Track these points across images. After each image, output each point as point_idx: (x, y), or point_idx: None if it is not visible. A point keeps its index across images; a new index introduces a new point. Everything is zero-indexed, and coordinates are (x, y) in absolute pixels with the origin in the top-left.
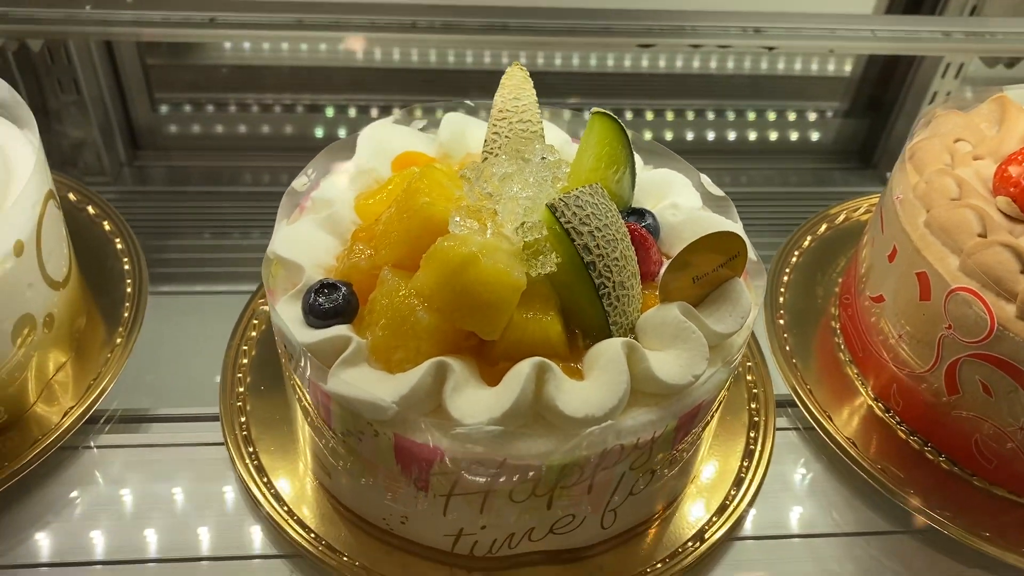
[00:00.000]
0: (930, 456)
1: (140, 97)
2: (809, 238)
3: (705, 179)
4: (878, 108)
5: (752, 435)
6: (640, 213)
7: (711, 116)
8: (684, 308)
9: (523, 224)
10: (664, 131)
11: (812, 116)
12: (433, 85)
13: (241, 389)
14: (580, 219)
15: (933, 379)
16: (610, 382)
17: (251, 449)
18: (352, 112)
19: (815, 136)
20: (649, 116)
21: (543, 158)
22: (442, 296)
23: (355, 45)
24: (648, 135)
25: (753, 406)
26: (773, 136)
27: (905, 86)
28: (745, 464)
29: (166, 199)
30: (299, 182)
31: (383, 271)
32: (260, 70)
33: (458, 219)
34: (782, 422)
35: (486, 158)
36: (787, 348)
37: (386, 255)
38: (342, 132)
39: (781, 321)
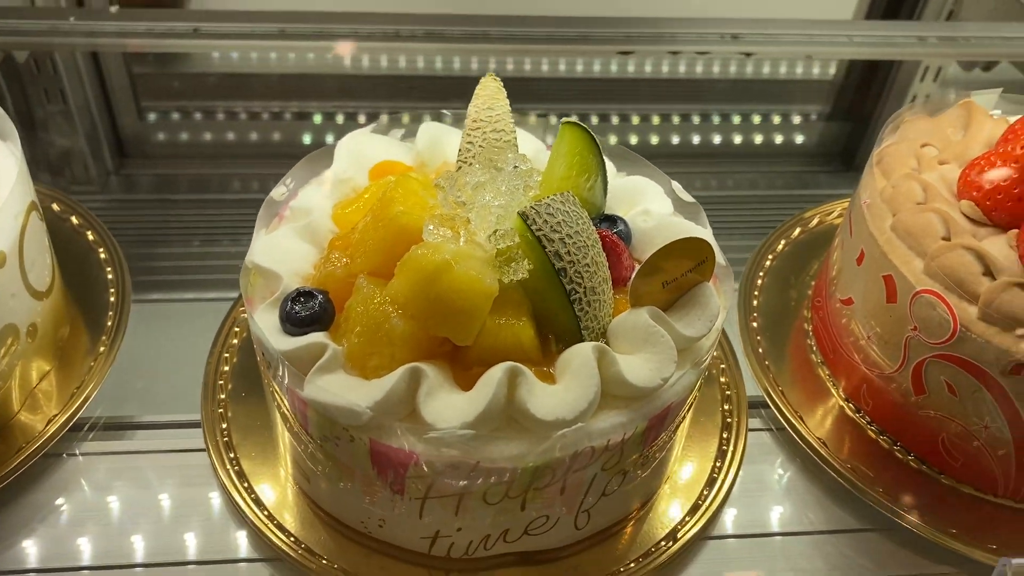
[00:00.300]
0: (899, 455)
1: (127, 106)
2: (783, 242)
3: (676, 185)
4: (859, 112)
5: (725, 436)
6: (612, 219)
7: (696, 120)
8: (654, 312)
9: (496, 232)
10: (649, 135)
11: (796, 120)
12: (421, 92)
13: (222, 396)
14: (551, 226)
15: (901, 379)
16: (581, 386)
17: (232, 455)
18: (340, 119)
19: (798, 140)
20: (635, 121)
21: (515, 167)
22: (416, 303)
23: (339, 54)
24: (634, 139)
25: (726, 407)
26: (757, 140)
27: (885, 90)
28: (718, 464)
29: (153, 207)
30: (277, 192)
31: (358, 279)
32: (247, 78)
33: (432, 227)
34: (755, 423)
35: (460, 167)
36: (760, 350)
37: (362, 263)
38: (330, 139)
39: (754, 324)
